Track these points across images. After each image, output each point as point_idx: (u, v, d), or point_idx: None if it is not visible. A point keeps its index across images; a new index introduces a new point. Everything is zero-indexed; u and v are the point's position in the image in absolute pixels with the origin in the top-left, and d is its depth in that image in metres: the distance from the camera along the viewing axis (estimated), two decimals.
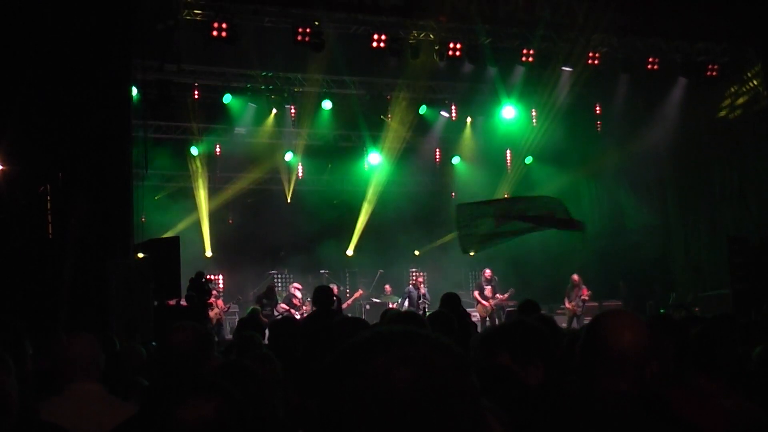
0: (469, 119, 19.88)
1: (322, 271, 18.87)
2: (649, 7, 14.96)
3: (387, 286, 18.13)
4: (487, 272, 16.81)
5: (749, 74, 16.43)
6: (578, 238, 19.23)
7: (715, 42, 15.89)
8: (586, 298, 16.18)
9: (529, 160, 19.78)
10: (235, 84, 17.40)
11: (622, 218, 20.27)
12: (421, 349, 1.16)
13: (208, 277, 15.73)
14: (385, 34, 14.46)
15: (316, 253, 19.05)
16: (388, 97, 18.24)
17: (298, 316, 13.79)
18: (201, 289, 14.10)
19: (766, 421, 3.02)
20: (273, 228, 18.84)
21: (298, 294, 15.65)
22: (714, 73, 16.20)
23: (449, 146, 20.70)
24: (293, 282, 17.30)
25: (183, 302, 13.11)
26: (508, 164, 20.58)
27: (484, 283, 16.58)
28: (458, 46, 14.93)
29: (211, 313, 15.19)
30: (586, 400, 2.41)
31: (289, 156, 19.47)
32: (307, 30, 13.75)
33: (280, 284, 19.32)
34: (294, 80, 17.57)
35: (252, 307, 13.39)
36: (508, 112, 18.59)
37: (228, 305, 16.78)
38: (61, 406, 3.29)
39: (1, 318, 3.46)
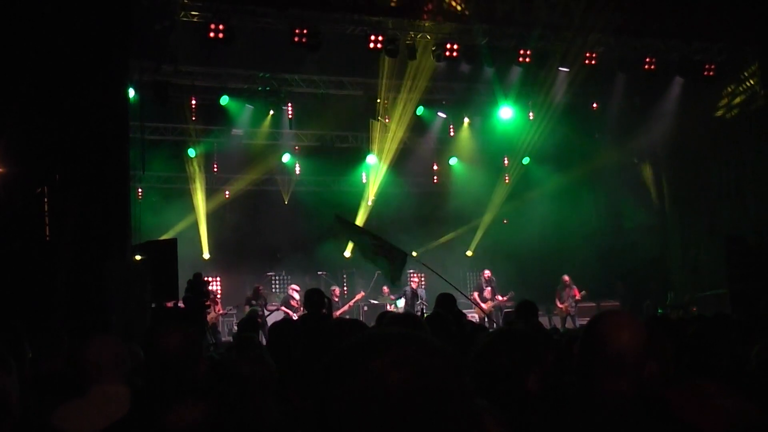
0: (466, 120, 19.89)
1: (320, 273, 18.83)
2: (645, 7, 14.96)
3: (385, 288, 18.09)
4: (487, 273, 16.80)
5: (746, 74, 16.45)
6: (578, 237, 19.31)
7: (712, 41, 15.90)
8: (579, 298, 16.20)
9: (526, 160, 19.78)
10: (232, 85, 17.42)
11: (619, 218, 20.31)
12: (416, 351, 1.19)
13: (205, 279, 15.69)
14: (382, 35, 14.46)
15: (314, 255, 19.02)
16: (385, 99, 18.24)
17: (295, 317, 13.78)
18: (199, 291, 14.08)
19: (766, 421, 3.01)
20: (271, 229, 18.83)
21: (296, 295, 15.63)
22: (711, 73, 16.21)
23: (446, 147, 20.70)
24: (291, 284, 17.31)
25: (181, 304, 13.09)
26: (506, 165, 20.59)
27: (483, 284, 16.56)
28: (455, 46, 14.93)
29: (208, 316, 15.15)
30: (585, 401, 2.41)
31: (286, 157, 19.48)
32: (304, 31, 13.75)
33: (277, 286, 19.30)
34: (291, 81, 17.57)
35: (251, 308, 13.37)
36: (506, 113, 18.61)
37: (227, 309, 16.76)
38: (83, 408, 3.28)
39: (0, 320, 3.46)
